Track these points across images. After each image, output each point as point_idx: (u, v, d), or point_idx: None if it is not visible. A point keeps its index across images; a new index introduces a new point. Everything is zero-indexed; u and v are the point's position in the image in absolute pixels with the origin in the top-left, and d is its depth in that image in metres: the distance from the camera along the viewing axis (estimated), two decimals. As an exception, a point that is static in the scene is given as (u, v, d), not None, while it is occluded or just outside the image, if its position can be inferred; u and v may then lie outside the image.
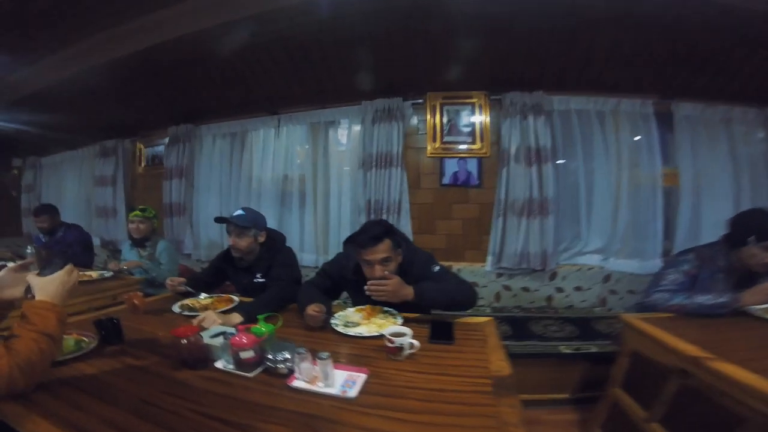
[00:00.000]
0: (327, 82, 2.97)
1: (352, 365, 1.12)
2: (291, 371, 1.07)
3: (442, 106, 3.02)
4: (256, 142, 3.65)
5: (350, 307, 1.68)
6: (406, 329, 1.28)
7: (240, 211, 1.91)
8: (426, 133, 3.06)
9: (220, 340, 1.20)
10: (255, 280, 1.97)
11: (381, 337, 1.29)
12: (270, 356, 1.09)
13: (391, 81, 2.94)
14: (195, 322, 1.43)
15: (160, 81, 3.04)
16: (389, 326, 1.38)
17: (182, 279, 1.96)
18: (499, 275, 2.98)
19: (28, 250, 2.13)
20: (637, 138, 2.90)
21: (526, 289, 2.97)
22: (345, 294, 1.89)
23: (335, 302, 1.85)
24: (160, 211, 3.95)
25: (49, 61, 2.82)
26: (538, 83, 2.79)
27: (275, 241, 2.03)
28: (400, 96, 3.02)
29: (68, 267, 1.06)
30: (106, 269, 2.57)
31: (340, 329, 1.44)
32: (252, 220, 1.91)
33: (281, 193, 3.51)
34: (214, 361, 1.16)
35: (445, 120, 3.02)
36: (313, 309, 1.46)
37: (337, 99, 3.21)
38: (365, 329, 1.43)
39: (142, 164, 4.36)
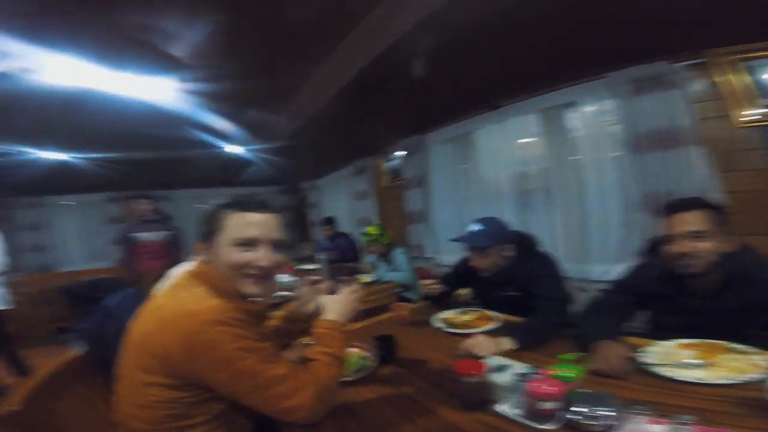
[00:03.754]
0: (556, 59, 2.43)
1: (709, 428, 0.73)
2: (607, 429, 0.78)
3: (738, 62, 2.03)
4: (481, 141, 3.46)
5: (661, 337, 1.19)
6: None
7: (477, 226, 1.62)
8: (724, 99, 2.10)
9: (506, 377, 0.96)
10: (504, 294, 1.68)
11: (736, 386, 0.90)
12: (578, 408, 0.81)
13: (647, 43, 2.16)
14: (465, 347, 1.27)
15: (384, 94, 3.14)
16: (754, 370, 0.93)
17: (436, 284, 1.84)
18: None
19: (320, 257, 2.60)
20: None
21: None
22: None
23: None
24: (403, 220, 4.33)
25: (303, 90, 3.30)
26: None
27: (527, 246, 1.68)
28: (662, 59, 2.21)
29: (356, 284, 1.05)
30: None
31: (665, 372, 0.99)
32: (492, 236, 1.60)
33: (519, 193, 3.15)
34: (494, 402, 0.95)
35: (752, 79, 2.01)
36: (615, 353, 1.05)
37: (569, 77, 2.64)
38: (705, 373, 0.97)
39: (386, 178, 4.91)
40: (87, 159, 4.19)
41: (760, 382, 0.84)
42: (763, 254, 1.22)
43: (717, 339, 1.10)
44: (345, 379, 1.12)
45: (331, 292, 1.07)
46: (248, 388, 0.80)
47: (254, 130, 4.05)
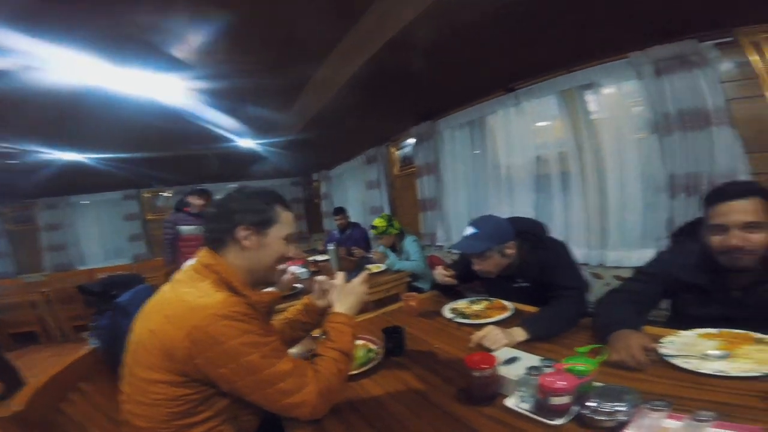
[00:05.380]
0: (575, 37, 2.30)
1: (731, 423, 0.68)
2: (620, 425, 0.73)
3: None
4: (496, 125, 3.34)
5: (682, 327, 1.12)
6: None
7: (471, 230, 1.52)
8: (757, 78, 1.94)
9: (517, 370, 0.92)
10: (514, 285, 1.61)
11: (758, 378, 0.84)
12: (592, 403, 0.77)
13: (672, 21, 2.02)
14: (475, 339, 1.23)
15: (394, 82, 3.08)
16: None
17: (452, 273, 1.75)
18: None
19: (330, 247, 2.59)
20: None
21: None
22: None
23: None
24: (415, 208, 4.28)
25: (310, 85, 3.27)
26: None
27: (535, 234, 1.59)
28: (689, 37, 2.07)
29: (364, 275, 1.03)
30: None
31: (683, 364, 0.94)
32: (489, 238, 1.48)
33: (536, 178, 3.04)
34: (504, 396, 0.91)
35: None
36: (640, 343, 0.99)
37: (588, 57, 2.51)
38: (728, 365, 0.91)
39: (397, 166, 4.85)
40: (100, 158, 4.28)
41: None
42: None
43: (746, 330, 1.03)
44: (351, 372, 1.10)
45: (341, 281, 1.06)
46: (252, 384, 0.80)
47: (263, 125, 4.06)
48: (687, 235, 1.24)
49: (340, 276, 1.06)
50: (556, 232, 2.74)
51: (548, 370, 0.84)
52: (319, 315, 1.14)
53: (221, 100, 3.11)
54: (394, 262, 2.89)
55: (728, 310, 1.11)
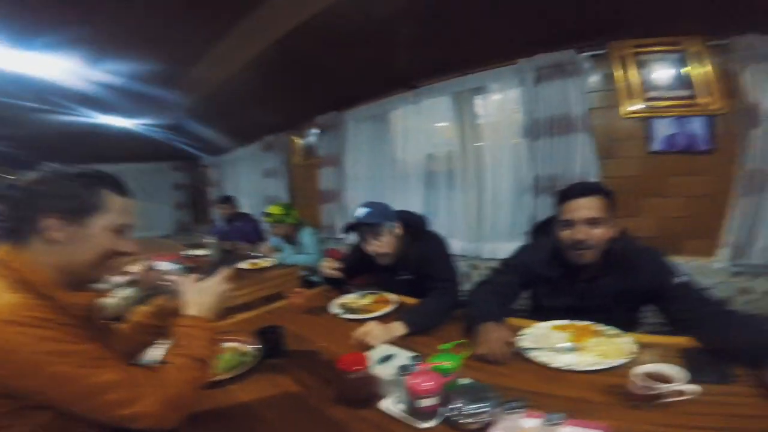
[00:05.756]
0: (469, 41, 2.45)
1: (581, 419, 0.74)
2: (485, 425, 0.75)
3: (635, 56, 2.22)
4: (397, 121, 3.41)
5: (539, 317, 1.24)
6: (667, 368, 0.82)
7: (365, 209, 1.60)
8: (616, 90, 2.29)
9: (391, 369, 0.91)
10: (398, 278, 1.66)
11: (603, 371, 0.93)
12: (457, 405, 0.78)
13: (557, 32, 2.26)
14: (357, 335, 1.20)
15: (301, 68, 2.97)
16: (618, 355, 0.97)
17: (339, 266, 1.74)
18: (737, 274, 2.09)
19: (209, 240, 2.34)
20: None
21: (775, 294, 2.03)
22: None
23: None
24: (315, 200, 4.15)
25: (205, 61, 3.00)
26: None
27: (416, 227, 1.66)
28: (569, 48, 2.32)
29: (225, 272, 0.92)
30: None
31: (540, 358, 1.02)
32: (381, 215, 1.59)
33: (427, 174, 3.19)
34: (381, 397, 0.90)
35: (643, 72, 2.21)
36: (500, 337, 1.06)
37: (483, 61, 2.68)
38: (576, 358, 1.00)
39: (298, 155, 4.64)
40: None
41: (625, 367, 0.88)
42: (636, 238, 1.33)
43: (593, 321, 1.14)
44: (218, 378, 1.01)
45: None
46: (70, 396, 0.70)
47: (149, 104, 3.53)
48: (542, 231, 1.38)
49: (191, 276, 0.93)
50: (441, 226, 2.91)
51: (415, 370, 0.84)
52: (175, 317, 1.00)
53: (100, 74, 2.66)
54: (287, 256, 2.72)
55: (575, 301, 1.25)
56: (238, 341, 1.21)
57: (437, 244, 1.62)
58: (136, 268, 2.02)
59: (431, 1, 2.02)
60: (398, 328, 1.23)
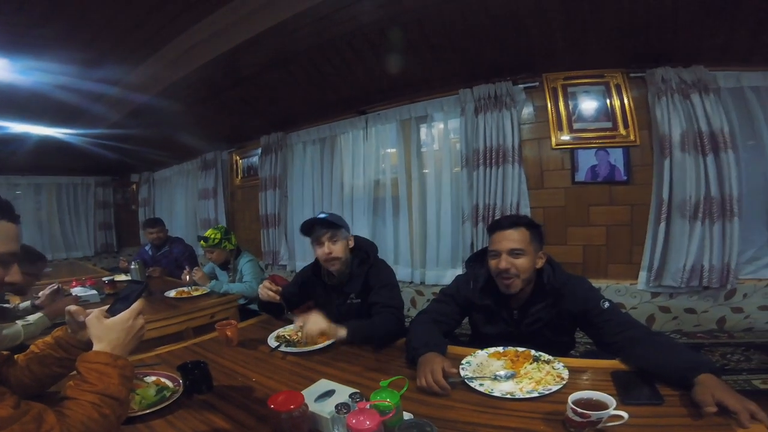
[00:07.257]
0: (414, 71, 2.58)
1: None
2: None
3: (564, 88, 2.44)
4: (345, 146, 3.42)
5: (479, 344, 1.25)
6: (600, 395, 0.83)
7: (322, 214, 1.62)
8: (547, 122, 2.50)
9: (329, 407, 0.85)
10: (349, 302, 1.62)
11: (538, 398, 0.93)
12: None
13: (495, 63, 2.45)
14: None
15: (246, 87, 2.93)
16: (553, 381, 0.99)
17: (277, 288, 1.64)
18: (656, 295, 2.35)
19: (132, 266, 2.11)
20: None
21: (691, 311, 2.34)
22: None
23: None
24: (256, 223, 3.97)
25: (140, 71, 2.81)
26: (695, 56, 2.20)
27: (368, 252, 1.66)
28: (506, 79, 2.51)
29: (135, 306, 0.82)
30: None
31: (479, 387, 1.01)
32: (340, 220, 1.63)
33: (373, 200, 3.21)
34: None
35: (571, 104, 2.45)
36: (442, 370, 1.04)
37: (428, 90, 2.82)
38: (514, 386, 1.00)
39: (239, 176, 4.45)
40: None
41: (561, 393, 0.89)
42: (561, 265, 1.42)
43: (529, 346, 1.17)
44: (138, 413, 0.92)
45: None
46: None
47: (76, 114, 3.20)
48: (477, 261, 1.43)
49: (101, 308, 0.83)
50: (387, 253, 2.93)
51: (354, 408, 0.80)
52: (83, 349, 0.87)
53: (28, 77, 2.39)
54: (220, 284, 2.50)
55: (510, 328, 1.31)
56: (161, 375, 1.11)
57: (387, 270, 1.63)
58: (43, 293, 1.77)
59: (382, 26, 2.09)
60: (341, 330, 1.27)
